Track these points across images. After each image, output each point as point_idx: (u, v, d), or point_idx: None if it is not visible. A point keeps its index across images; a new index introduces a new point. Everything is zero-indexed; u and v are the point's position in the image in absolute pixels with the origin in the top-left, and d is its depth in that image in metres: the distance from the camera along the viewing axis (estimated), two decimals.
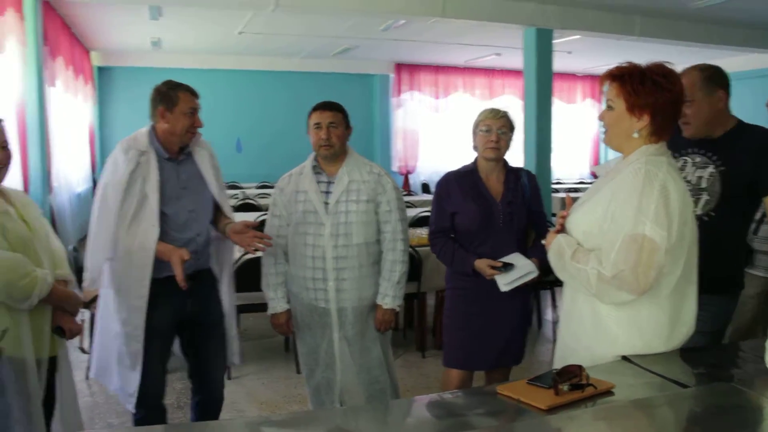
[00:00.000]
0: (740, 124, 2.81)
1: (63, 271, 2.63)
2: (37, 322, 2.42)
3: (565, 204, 2.31)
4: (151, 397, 2.97)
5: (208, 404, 3.19)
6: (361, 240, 3.08)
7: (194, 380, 3.19)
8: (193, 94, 2.96)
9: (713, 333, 2.75)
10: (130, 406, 2.93)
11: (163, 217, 2.87)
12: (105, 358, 2.99)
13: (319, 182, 3.12)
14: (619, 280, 1.97)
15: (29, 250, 2.43)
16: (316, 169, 3.14)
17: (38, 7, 6.79)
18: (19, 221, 2.46)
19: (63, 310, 2.55)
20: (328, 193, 3.10)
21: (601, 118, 2.21)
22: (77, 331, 2.62)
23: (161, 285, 2.86)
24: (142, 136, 2.94)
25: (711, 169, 2.75)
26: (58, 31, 8.34)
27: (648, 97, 2.05)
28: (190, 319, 3.04)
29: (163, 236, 2.85)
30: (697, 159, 2.79)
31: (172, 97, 2.89)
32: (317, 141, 3.07)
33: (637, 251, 1.95)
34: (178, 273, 2.74)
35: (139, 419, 2.98)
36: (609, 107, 2.15)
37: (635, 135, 2.10)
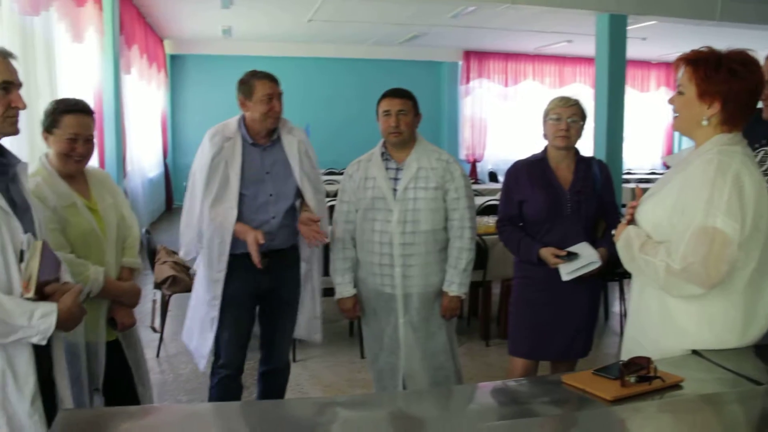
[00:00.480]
0: None
1: (130, 258, 2.72)
2: (92, 312, 2.47)
3: (635, 195, 2.26)
4: (225, 366, 3.16)
5: (273, 375, 3.34)
6: (429, 227, 3.08)
7: (263, 350, 3.34)
8: (271, 80, 3.07)
9: None
10: (201, 366, 3.20)
11: (242, 198, 3.04)
12: (192, 321, 3.23)
13: (387, 169, 3.14)
14: (688, 273, 1.92)
15: (89, 245, 2.53)
16: (385, 156, 3.16)
17: None
18: (86, 213, 2.53)
19: (120, 303, 2.65)
20: (396, 179, 3.11)
21: (671, 102, 2.13)
22: (129, 325, 2.71)
23: (239, 260, 3.03)
24: (232, 123, 3.11)
25: None
26: (134, 21, 8.60)
27: (721, 85, 1.97)
28: (267, 294, 3.18)
29: (239, 216, 3.02)
30: None
31: (250, 85, 3.03)
32: (386, 128, 3.08)
33: (707, 244, 1.89)
34: (254, 253, 2.91)
35: (213, 386, 3.18)
36: (680, 92, 2.07)
37: (704, 123, 2.02)
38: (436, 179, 3.09)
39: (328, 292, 3.42)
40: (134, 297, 2.72)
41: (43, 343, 1.90)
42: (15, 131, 1.99)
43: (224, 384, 3.16)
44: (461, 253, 3.13)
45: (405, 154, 3.13)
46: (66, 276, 2.15)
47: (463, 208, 3.13)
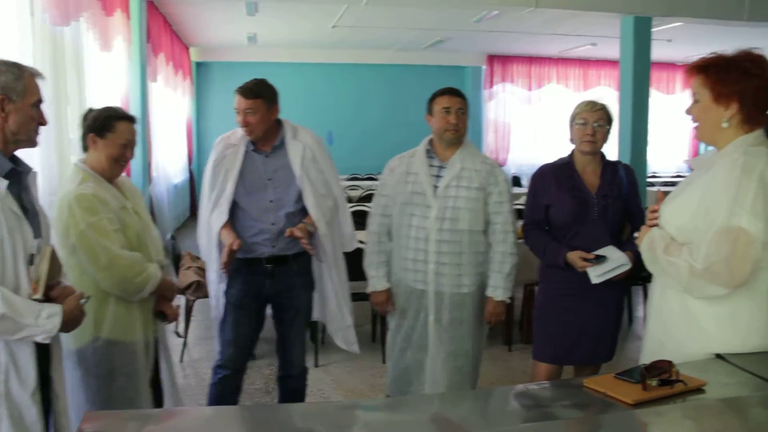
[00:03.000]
0: None
1: (161, 257, 2.81)
2: (144, 308, 2.66)
3: (657, 199, 2.25)
4: (224, 366, 3.22)
5: (288, 380, 3.40)
6: (466, 227, 3.09)
7: (278, 355, 3.40)
8: (241, 95, 3.07)
9: None
10: (218, 359, 3.26)
11: (240, 205, 3.14)
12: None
13: (430, 166, 3.16)
14: (711, 272, 1.91)
15: (143, 244, 2.65)
16: (429, 153, 3.19)
17: (143, 6, 7.12)
18: (134, 215, 2.65)
19: (163, 297, 2.75)
20: (438, 177, 3.13)
21: (689, 112, 2.14)
22: (176, 316, 2.84)
23: (242, 264, 3.13)
24: (240, 130, 3.15)
25: None
26: (160, 29, 8.72)
27: (734, 85, 1.98)
28: (272, 299, 3.26)
29: (239, 221, 3.13)
30: None
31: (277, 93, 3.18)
32: (444, 125, 3.10)
33: (731, 243, 1.89)
34: (224, 257, 3.02)
35: (215, 383, 3.24)
36: (696, 100, 2.09)
37: (725, 125, 2.03)
38: (479, 181, 3.10)
39: (351, 296, 3.43)
40: (175, 291, 2.88)
41: (47, 341, 2.02)
42: (35, 144, 2.14)
43: (222, 383, 3.22)
44: (505, 258, 3.13)
45: (450, 153, 3.15)
46: (65, 280, 2.26)
47: (507, 213, 3.14)
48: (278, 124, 3.19)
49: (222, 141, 3.19)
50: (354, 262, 3.48)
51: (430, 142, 3.21)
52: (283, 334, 3.33)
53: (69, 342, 2.49)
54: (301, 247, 3.13)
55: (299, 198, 3.16)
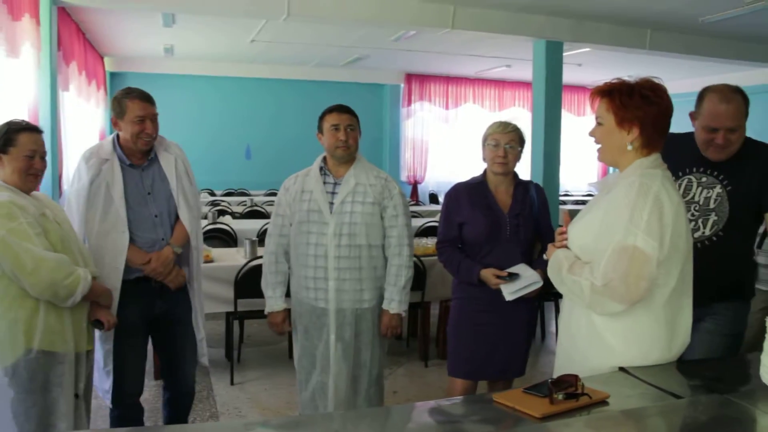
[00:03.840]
0: (746, 141, 2.76)
1: (92, 267, 2.74)
2: (77, 317, 2.59)
3: (563, 220, 2.33)
4: (127, 396, 3.10)
5: (179, 399, 3.31)
6: (364, 242, 3.10)
7: (165, 377, 3.31)
8: (145, 100, 3.01)
9: (734, 336, 2.79)
10: (108, 400, 3.07)
11: (129, 221, 2.98)
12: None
13: (325, 183, 3.16)
14: (609, 289, 1.99)
15: (68, 249, 2.57)
16: (323, 171, 3.19)
17: (54, 13, 6.87)
18: (55, 223, 2.58)
19: (98, 305, 2.70)
20: (333, 194, 3.14)
21: (592, 134, 2.21)
22: (114, 323, 2.78)
23: (131, 285, 2.99)
24: (107, 144, 3.05)
25: (718, 189, 2.73)
26: (73, 37, 8.43)
27: (637, 111, 2.08)
28: (160, 318, 3.14)
29: (130, 240, 2.98)
30: (704, 179, 2.77)
31: (122, 105, 2.98)
32: (334, 142, 3.10)
33: (627, 261, 1.97)
34: (161, 275, 3.02)
35: (116, 417, 3.11)
36: (599, 123, 2.17)
37: (629, 147, 2.11)
38: (374, 195, 3.12)
39: (258, 314, 3.37)
40: (110, 297, 2.79)
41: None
42: None
43: (127, 413, 3.11)
44: (400, 271, 3.16)
45: (344, 170, 3.16)
46: None
47: (402, 226, 3.17)
48: None
49: (93, 155, 3.01)
50: (256, 279, 3.43)
51: (324, 159, 3.22)
52: (174, 351, 3.24)
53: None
54: (180, 261, 3.15)
55: (176, 210, 3.13)
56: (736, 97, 2.68)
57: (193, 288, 3.24)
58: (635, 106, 2.08)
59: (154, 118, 3.01)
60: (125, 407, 3.11)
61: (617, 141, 2.13)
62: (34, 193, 2.65)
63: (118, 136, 3.06)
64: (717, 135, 2.66)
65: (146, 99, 3.01)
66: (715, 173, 2.76)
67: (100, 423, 3.60)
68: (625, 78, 2.15)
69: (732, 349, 2.79)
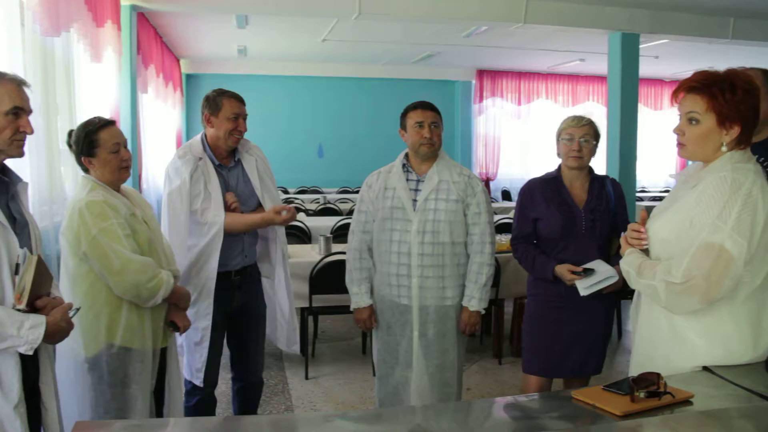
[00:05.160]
0: None
1: (173, 267, 2.83)
2: (155, 316, 2.67)
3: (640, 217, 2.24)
4: (202, 389, 3.20)
5: (249, 390, 3.42)
6: (448, 239, 3.10)
7: (235, 368, 3.41)
8: (239, 100, 3.15)
9: None
10: (198, 381, 3.16)
11: None
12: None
13: (408, 180, 3.17)
14: (689, 286, 1.93)
15: (154, 251, 2.66)
16: (406, 168, 3.20)
17: (134, 18, 7.13)
18: (143, 223, 2.67)
19: (176, 306, 2.78)
20: (417, 191, 3.15)
21: (680, 131, 2.08)
22: (188, 326, 2.85)
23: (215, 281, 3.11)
24: (197, 144, 3.18)
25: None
26: (151, 41, 8.71)
27: (741, 105, 1.97)
28: (236, 311, 3.25)
29: None
30: None
31: (217, 102, 3.12)
32: (418, 139, 3.11)
33: (712, 258, 1.91)
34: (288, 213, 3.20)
35: (191, 406, 3.20)
36: (692, 120, 2.03)
37: (724, 149, 2.01)
38: (458, 192, 3.11)
39: (338, 309, 3.42)
40: (188, 300, 2.87)
41: (30, 353, 1.99)
42: (21, 154, 2.12)
43: (199, 405, 3.21)
44: (482, 268, 3.15)
45: (427, 167, 3.17)
46: (56, 291, 2.25)
47: (484, 223, 3.15)
48: None
49: (188, 152, 3.13)
50: (339, 274, 3.48)
51: (406, 156, 3.23)
52: (247, 343, 3.34)
53: (81, 350, 2.53)
54: (256, 257, 3.31)
55: (256, 210, 3.24)
56: (754, 71, 2.55)
57: (279, 281, 3.36)
58: (739, 101, 1.96)
59: (245, 118, 3.16)
60: (200, 399, 3.22)
61: (713, 141, 2.02)
62: (126, 188, 2.74)
63: (205, 136, 3.17)
64: None
65: (240, 99, 3.16)
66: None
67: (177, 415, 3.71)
68: (710, 69, 2.04)
69: None
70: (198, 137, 3.20)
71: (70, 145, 2.62)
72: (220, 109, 3.09)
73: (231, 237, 3.13)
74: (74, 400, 2.55)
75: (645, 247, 2.15)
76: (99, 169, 2.59)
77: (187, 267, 3.09)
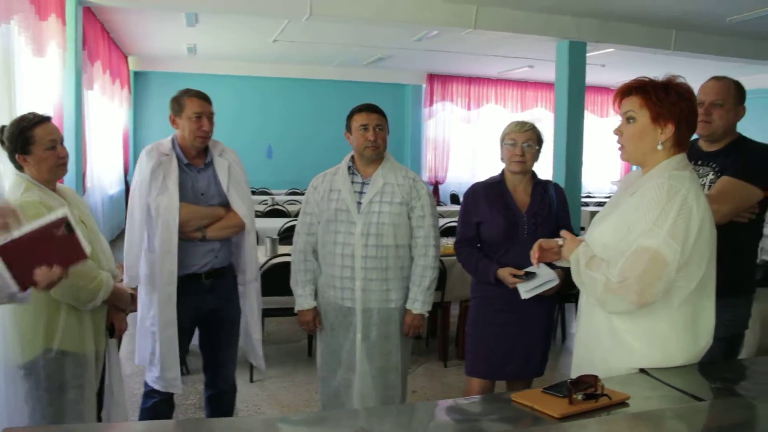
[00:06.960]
0: (741, 137, 2.88)
1: (113, 266, 2.76)
2: (96, 318, 2.61)
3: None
4: (159, 392, 3.11)
5: (220, 396, 3.32)
6: (392, 242, 3.11)
7: (207, 374, 3.32)
8: (202, 99, 3.09)
9: (729, 339, 2.72)
10: (177, 389, 3.09)
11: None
12: (144, 349, 3.12)
13: (353, 182, 3.17)
14: (623, 287, 1.98)
15: (93, 251, 2.55)
16: (352, 170, 3.19)
17: (79, 12, 6.96)
18: (80, 223, 2.56)
19: (116, 308, 2.71)
20: (361, 193, 3.14)
21: (619, 131, 2.16)
22: (124, 329, 2.79)
23: (182, 282, 3.02)
24: (167, 142, 3.12)
25: (711, 176, 2.80)
26: (98, 37, 8.53)
27: (673, 107, 2.05)
28: (208, 315, 3.16)
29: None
30: (700, 171, 2.84)
31: (180, 102, 3.06)
32: (363, 142, 3.10)
33: (646, 261, 1.95)
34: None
35: (147, 408, 3.13)
36: (630, 119, 2.11)
37: (659, 147, 2.08)
38: (402, 195, 3.12)
39: (284, 312, 3.38)
40: (128, 301, 2.79)
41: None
42: None
43: (155, 408, 3.12)
44: (425, 271, 3.16)
45: (372, 170, 3.16)
46: None
47: (429, 226, 3.16)
48: None
49: (154, 149, 3.09)
50: (285, 276, 3.44)
51: (352, 158, 3.22)
52: (218, 349, 3.26)
53: (17, 355, 2.44)
54: (231, 259, 3.21)
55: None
56: (728, 81, 2.83)
57: (249, 287, 3.27)
58: (672, 102, 2.04)
59: (210, 116, 3.08)
60: (156, 402, 3.12)
61: (649, 139, 2.09)
62: (62, 188, 2.67)
63: (176, 136, 3.12)
64: (702, 108, 2.74)
65: (203, 97, 3.08)
66: (710, 163, 2.84)
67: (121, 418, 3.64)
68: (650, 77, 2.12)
69: (727, 354, 2.74)
70: (170, 136, 3.15)
71: (2, 142, 2.53)
72: (183, 109, 3.04)
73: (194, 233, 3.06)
74: (4, 408, 2.46)
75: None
76: (34, 166, 2.52)
77: (148, 265, 3.04)
